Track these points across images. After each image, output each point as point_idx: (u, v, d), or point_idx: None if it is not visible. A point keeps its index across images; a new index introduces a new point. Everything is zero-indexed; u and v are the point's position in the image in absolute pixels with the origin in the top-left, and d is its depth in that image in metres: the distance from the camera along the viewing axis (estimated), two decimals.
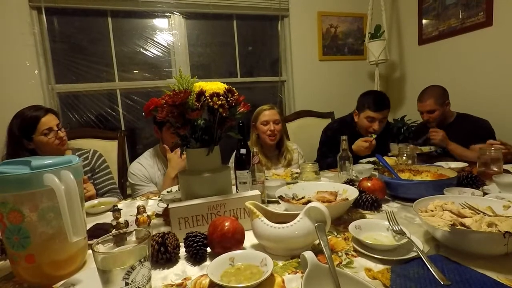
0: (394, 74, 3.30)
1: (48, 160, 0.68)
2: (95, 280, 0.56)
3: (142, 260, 0.53)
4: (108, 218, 1.05)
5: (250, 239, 0.80)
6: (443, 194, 0.99)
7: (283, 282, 0.63)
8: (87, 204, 1.22)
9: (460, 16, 2.52)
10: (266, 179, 1.23)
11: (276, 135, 1.90)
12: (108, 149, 1.91)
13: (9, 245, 0.67)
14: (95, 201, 1.29)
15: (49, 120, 1.45)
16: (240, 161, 1.13)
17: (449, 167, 1.31)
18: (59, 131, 1.47)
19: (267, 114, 1.92)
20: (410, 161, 1.46)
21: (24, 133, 1.42)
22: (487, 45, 2.35)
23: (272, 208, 0.83)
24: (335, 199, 1.03)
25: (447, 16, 2.63)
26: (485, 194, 1.04)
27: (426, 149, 1.86)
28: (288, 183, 1.22)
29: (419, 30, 2.92)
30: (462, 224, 0.71)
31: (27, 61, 2.14)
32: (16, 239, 0.65)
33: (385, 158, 1.41)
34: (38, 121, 1.42)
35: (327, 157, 1.94)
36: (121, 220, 0.91)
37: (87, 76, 2.41)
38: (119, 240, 0.60)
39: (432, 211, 0.80)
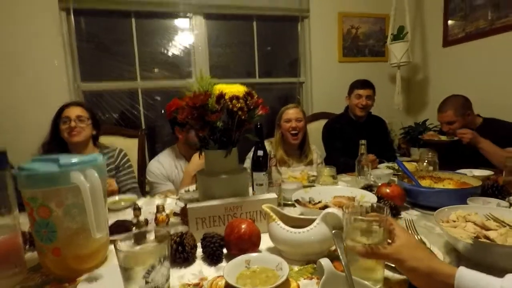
0: (416, 76, 3.20)
1: (75, 159, 0.71)
2: (116, 276, 0.58)
3: (162, 259, 0.55)
4: (127, 214, 1.08)
5: (266, 242, 0.81)
6: (466, 203, 0.95)
7: (299, 287, 0.63)
8: (108, 200, 1.26)
9: (489, 17, 2.41)
10: (283, 181, 1.23)
11: (298, 132, 1.92)
12: (129, 146, 1.96)
13: (38, 238, 0.71)
14: (116, 198, 1.34)
15: (71, 110, 1.55)
16: (257, 163, 1.14)
17: (473, 175, 1.26)
18: (72, 121, 1.52)
19: (291, 112, 1.96)
20: (431, 167, 1.42)
21: (55, 120, 1.57)
22: None
23: (287, 211, 0.83)
24: None
25: (475, 17, 2.52)
26: (511, 205, 1.00)
27: (444, 137, 1.87)
28: (304, 186, 1.21)
29: (444, 32, 2.82)
30: (486, 237, 0.69)
31: (56, 60, 2.23)
32: (45, 232, 0.69)
33: (405, 163, 1.37)
34: (63, 110, 1.57)
35: (336, 150, 2.12)
36: (141, 218, 0.94)
37: (110, 75, 2.49)
38: (140, 238, 0.62)
39: (454, 221, 0.78)
